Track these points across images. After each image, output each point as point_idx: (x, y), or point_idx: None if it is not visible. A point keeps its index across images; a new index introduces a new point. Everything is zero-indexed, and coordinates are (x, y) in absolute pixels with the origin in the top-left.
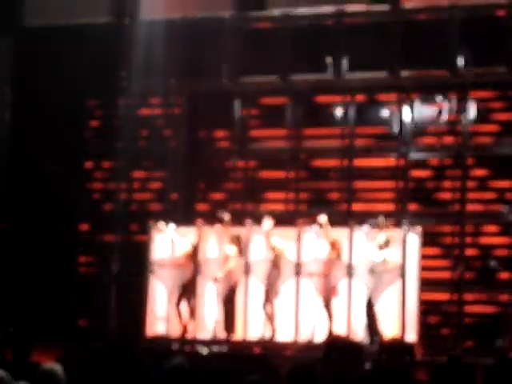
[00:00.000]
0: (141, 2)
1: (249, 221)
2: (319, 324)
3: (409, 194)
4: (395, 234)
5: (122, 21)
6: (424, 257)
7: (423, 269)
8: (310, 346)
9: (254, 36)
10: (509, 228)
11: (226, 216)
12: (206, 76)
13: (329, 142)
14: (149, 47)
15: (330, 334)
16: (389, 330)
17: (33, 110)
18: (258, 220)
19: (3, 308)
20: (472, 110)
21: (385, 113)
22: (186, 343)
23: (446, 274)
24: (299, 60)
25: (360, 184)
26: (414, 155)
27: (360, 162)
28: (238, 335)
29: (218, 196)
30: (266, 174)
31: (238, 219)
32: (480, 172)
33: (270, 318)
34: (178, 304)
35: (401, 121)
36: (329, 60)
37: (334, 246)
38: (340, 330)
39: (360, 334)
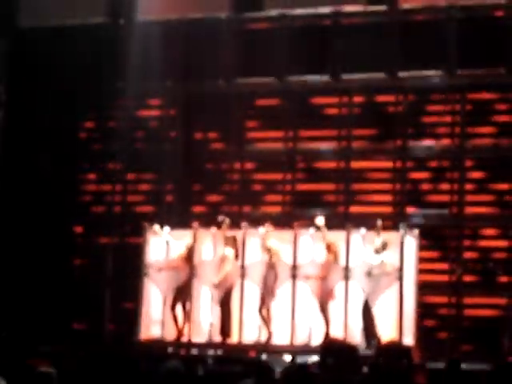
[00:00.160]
0: (137, 3)
1: (245, 223)
2: (316, 327)
3: (406, 197)
4: (393, 236)
5: (118, 21)
6: (422, 259)
7: (421, 272)
8: (306, 350)
9: (251, 37)
10: (508, 231)
11: (226, 220)
12: (202, 77)
13: (326, 143)
14: (145, 48)
15: (327, 337)
16: (386, 333)
17: (27, 111)
18: (254, 222)
19: None
20: (470, 112)
21: (382, 114)
22: (181, 346)
23: (443, 277)
24: (296, 61)
25: (357, 186)
26: (412, 157)
27: (357, 164)
28: (234, 338)
29: (214, 198)
30: (263, 176)
31: (234, 221)
32: (478, 174)
33: (266, 321)
34: (173, 307)
35: (398, 123)
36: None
37: (330, 248)
38: (337, 334)
39: (357, 338)
